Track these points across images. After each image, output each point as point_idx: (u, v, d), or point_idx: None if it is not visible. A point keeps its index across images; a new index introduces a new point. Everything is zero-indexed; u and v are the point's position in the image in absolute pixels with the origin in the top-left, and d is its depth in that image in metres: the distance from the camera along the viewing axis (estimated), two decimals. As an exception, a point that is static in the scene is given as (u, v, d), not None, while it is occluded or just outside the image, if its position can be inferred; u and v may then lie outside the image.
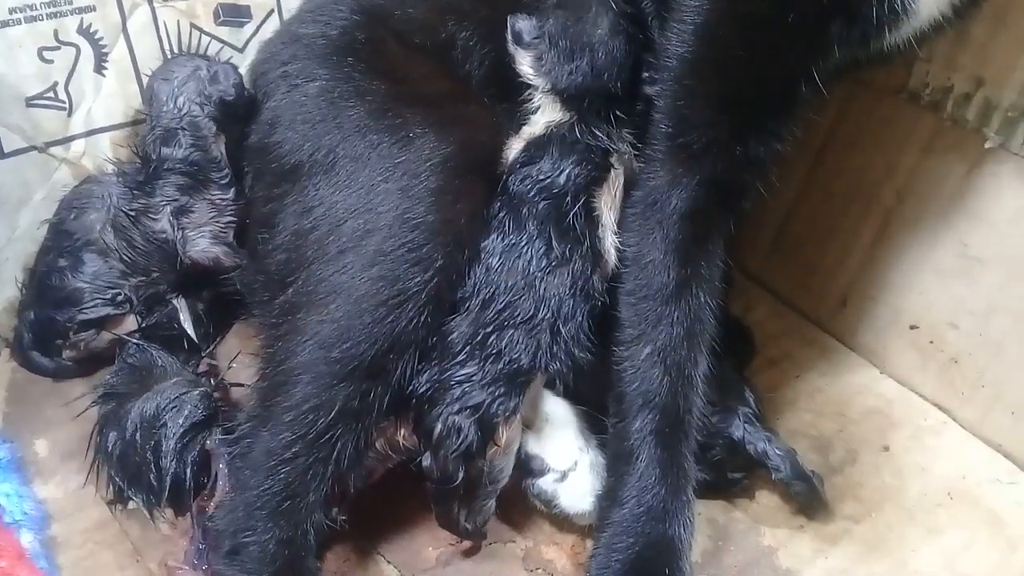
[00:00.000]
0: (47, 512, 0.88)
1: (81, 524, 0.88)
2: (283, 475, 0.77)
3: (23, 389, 0.99)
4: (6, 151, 1.00)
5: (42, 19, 1.00)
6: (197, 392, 0.86)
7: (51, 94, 1.02)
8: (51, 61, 1.02)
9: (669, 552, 0.80)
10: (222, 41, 1.14)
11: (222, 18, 1.14)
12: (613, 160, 0.89)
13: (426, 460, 0.81)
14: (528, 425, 0.86)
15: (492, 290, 0.83)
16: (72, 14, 1.02)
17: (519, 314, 0.82)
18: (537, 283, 0.83)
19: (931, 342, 1.06)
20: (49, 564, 0.83)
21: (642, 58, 0.91)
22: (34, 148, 1.02)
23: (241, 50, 1.16)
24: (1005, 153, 0.97)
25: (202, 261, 0.97)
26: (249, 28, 1.16)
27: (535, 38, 0.91)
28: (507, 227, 0.85)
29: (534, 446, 0.86)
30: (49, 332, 0.95)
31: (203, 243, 0.97)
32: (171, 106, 0.99)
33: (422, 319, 0.81)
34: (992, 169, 0.98)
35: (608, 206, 0.88)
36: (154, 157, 0.99)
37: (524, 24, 0.92)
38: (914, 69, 1.01)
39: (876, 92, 1.05)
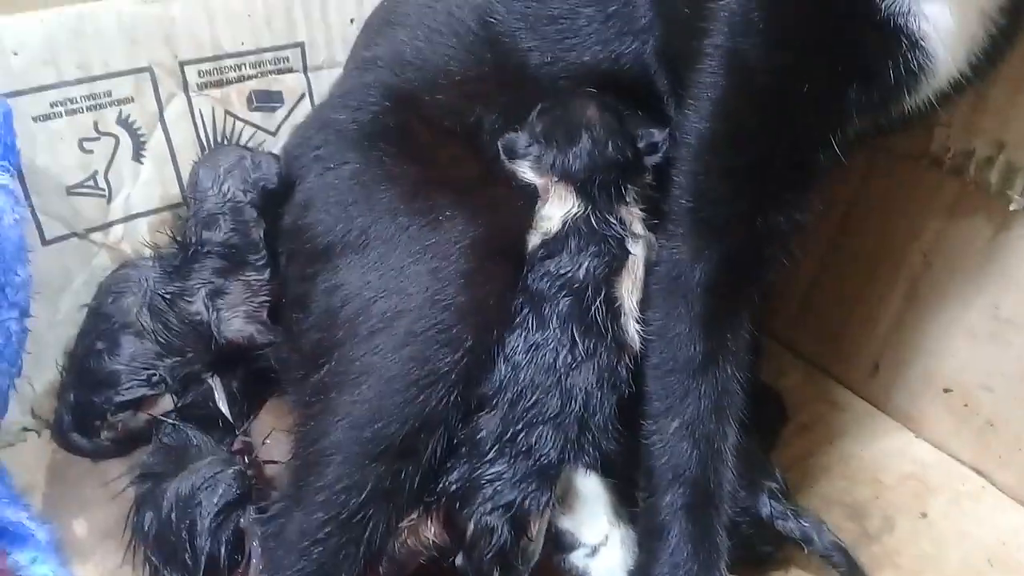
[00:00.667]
0: (85, 593, 0.89)
1: (118, 605, 0.89)
2: (315, 555, 0.77)
3: (62, 470, 1.01)
4: (48, 238, 1.03)
5: (82, 111, 1.04)
6: (231, 471, 0.87)
7: (91, 183, 1.06)
8: (91, 151, 1.05)
9: None
10: (255, 126, 1.18)
11: (255, 104, 1.18)
12: (629, 245, 0.90)
13: (459, 560, 0.81)
14: (558, 500, 0.85)
15: (519, 388, 0.83)
16: (111, 106, 1.06)
17: (547, 410, 0.82)
18: (564, 380, 0.83)
19: (966, 405, 1.04)
20: (86, 645, 0.84)
21: (637, 134, 0.93)
22: (74, 235, 1.06)
23: (274, 133, 1.20)
24: (1028, 215, 0.97)
25: (236, 340, 0.99)
26: (281, 113, 1.20)
27: (528, 146, 0.94)
28: (530, 325, 0.85)
29: (565, 521, 0.86)
30: (88, 414, 0.97)
31: (237, 323, 0.99)
32: (215, 191, 1.02)
33: (452, 399, 0.81)
34: (1019, 231, 0.98)
35: (629, 291, 0.88)
36: (194, 240, 1.01)
37: (514, 137, 0.95)
38: (935, 134, 1.02)
39: (898, 157, 1.06)
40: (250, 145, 1.15)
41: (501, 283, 0.87)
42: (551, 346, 0.84)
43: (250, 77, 1.16)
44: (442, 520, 0.83)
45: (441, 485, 0.82)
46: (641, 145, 0.93)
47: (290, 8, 1.17)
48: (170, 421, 0.94)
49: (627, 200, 0.92)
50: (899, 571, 0.93)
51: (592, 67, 0.96)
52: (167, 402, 0.98)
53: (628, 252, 0.89)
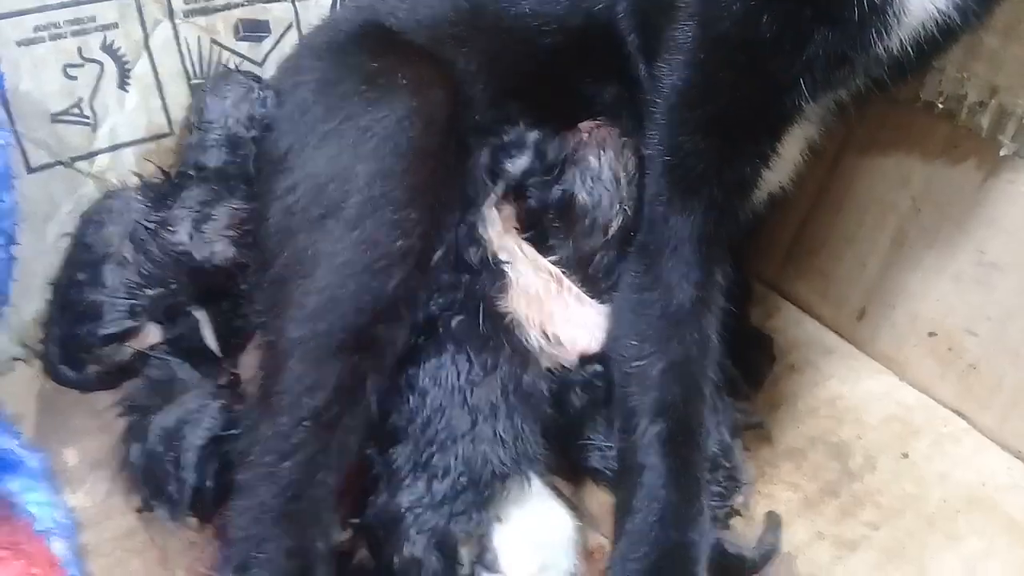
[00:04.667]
0: (77, 520, 0.88)
1: (110, 532, 0.89)
2: (286, 470, 0.75)
3: (52, 400, 1.01)
4: (33, 166, 1.02)
5: (66, 36, 1.02)
6: (216, 405, 0.87)
7: (76, 110, 1.04)
8: (75, 78, 1.03)
9: (685, 560, 0.80)
10: (242, 56, 1.16)
11: (242, 33, 1.16)
12: (503, 267, 0.90)
13: None
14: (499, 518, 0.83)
15: (428, 413, 0.82)
16: (95, 31, 1.04)
17: (458, 428, 0.82)
18: (468, 397, 0.83)
19: (950, 349, 1.06)
20: (79, 572, 0.83)
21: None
22: (60, 163, 1.04)
23: (261, 64, 1.18)
24: (1020, 160, 0.97)
25: (219, 264, 0.97)
26: (268, 43, 1.18)
27: None
28: (430, 351, 0.85)
29: (498, 537, 0.82)
30: (73, 346, 0.96)
31: (220, 247, 0.97)
32: (221, 123, 1.02)
33: (408, 285, 0.81)
34: (1008, 176, 0.98)
35: (525, 305, 0.89)
36: (191, 166, 1.02)
37: None
38: (928, 78, 1.01)
39: (890, 102, 1.04)
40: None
41: (445, 159, 0.87)
42: (451, 367, 0.84)
43: (237, 5, 1.14)
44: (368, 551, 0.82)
45: (363, 517, 0.81)
46: (510, 163, 0.94)
47: (280, -66, 1.15)
48: (156, 355, 0.93)
49: (488, 227, 0.92)
50: (880, 509, 0.94)
51: (569, 24, 0.97)
52: (153, 333, 0.97)
53: (504, 272, 0.90)
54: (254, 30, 1.17)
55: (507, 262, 0.91)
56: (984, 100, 0.98)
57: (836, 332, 1.17)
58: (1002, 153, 0.97)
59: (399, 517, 0.79)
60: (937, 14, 0.78)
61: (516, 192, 0.94)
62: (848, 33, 0.76)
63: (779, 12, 0.76)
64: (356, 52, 0.97)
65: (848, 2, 0.74)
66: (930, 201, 1.05)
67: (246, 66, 1.16)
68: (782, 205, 1.07)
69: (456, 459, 0.80)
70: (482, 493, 0.80)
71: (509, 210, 0.94)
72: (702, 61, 0.82)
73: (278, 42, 1.18)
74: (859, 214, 1.13)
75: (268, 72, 1.16)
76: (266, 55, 1.18)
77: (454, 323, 0.86)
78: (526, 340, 0.88)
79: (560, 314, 0.90)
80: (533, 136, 0.94)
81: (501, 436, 0.82)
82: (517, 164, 0.93)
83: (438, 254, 0.87)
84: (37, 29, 0.99)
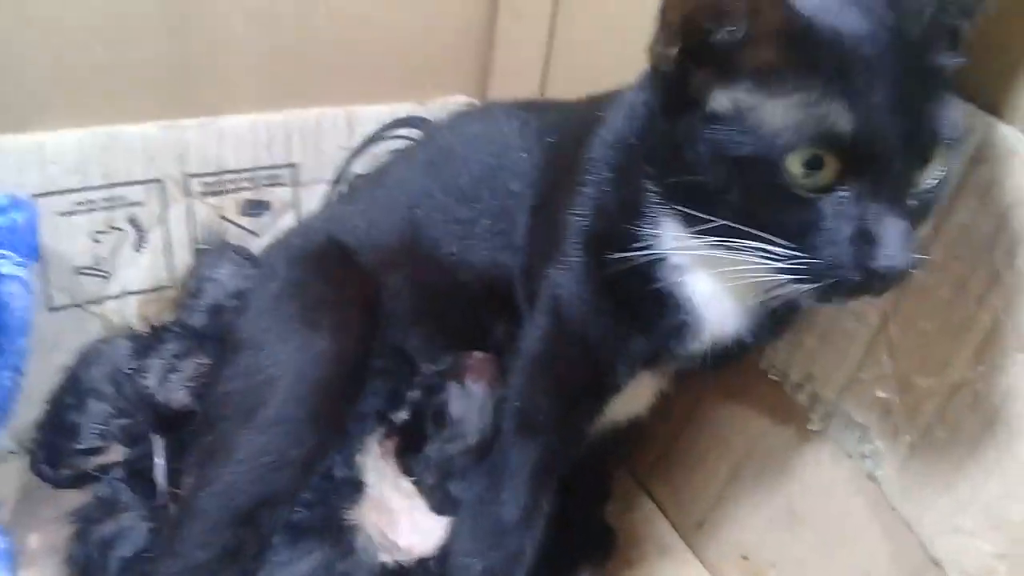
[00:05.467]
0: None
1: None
2: None
3: (30, 490, 1.26)
4: (54, 306, 1.29)
5: (99, 210, 1.28)
6: (146, 526, 1.11)
7: (96, 266, 1.31)
8: (100, 241, 1.30)
9: None
10: (243, 228, 1.43)
11: (246, 211, 1.43)
12: (367, 487, 1.10)
13: None
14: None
15: None
16: (123, 207, 1.30)
17: None
18: (276, 571, 1.04)
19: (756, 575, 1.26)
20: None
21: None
22: (76, 305, 1.31)
23: (259, 235, 1.44)
24: (825, 436, 1.17)
25: (177, 408, 1.19)
26: (268, 218, 1.45)
27: None
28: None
29: None
30: (54, 452, 1.21)
31: (181, 395, 1.19)
32: (212, 292, 1.26)
33: (294, 483, 1.04)
34: (816, 446, 1.19)
35: (378, 516, 1.09)
36: (177, 323, 1.26)
37: None
38: (765, 354, 1.23)
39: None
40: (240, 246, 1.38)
41: (346, 396, 1.10)
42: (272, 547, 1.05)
43: (245, 188, 1.41)
44: None
45: None
46: (395, 415, 1.14)
47: (289, 135, 1.43)
48: (108, 476, 1.17)
49: (365, 455, 1.12)
50: None
51: (480, 270, 1.16)
52: (117, 454, 1.21)
53: (362, 490, 1.10)
54: (257, 208, 1.44)
55: (370, 484, 1.11)
56: (802, 383, 1.19)
57: (678, 536, 1.38)
58: (809, 427, 1.18)
59: None
60: (730, 337, 0.99)
61: (395, 432, 1.15)
62: (659, 341, 0.99)
63: (608, 316, 0.99)
64: (310, 270, 1.19)
65: (656, 322, 0.97)
66: (760, 449, 1.26)
67: (247, 237, 1.42)
68: (657, 419, 1.29)
69: None
70: None
71: (387, 444, 1.14)
72: (551, 334, 1.04)
73: (277, 219, 1.45)
74: (710, 444, 1.34)
75: (264, 241, 1.43)
76: (265, 229, 1.45)
77: (292, 515, 1.06)
78: (360, 540, 1.07)
79: (407, 525, 1.10)
80: (415, 396, 1.14)
81: None
82: (400, 416, 1.14)
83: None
84: (77, 204, 1.27)
